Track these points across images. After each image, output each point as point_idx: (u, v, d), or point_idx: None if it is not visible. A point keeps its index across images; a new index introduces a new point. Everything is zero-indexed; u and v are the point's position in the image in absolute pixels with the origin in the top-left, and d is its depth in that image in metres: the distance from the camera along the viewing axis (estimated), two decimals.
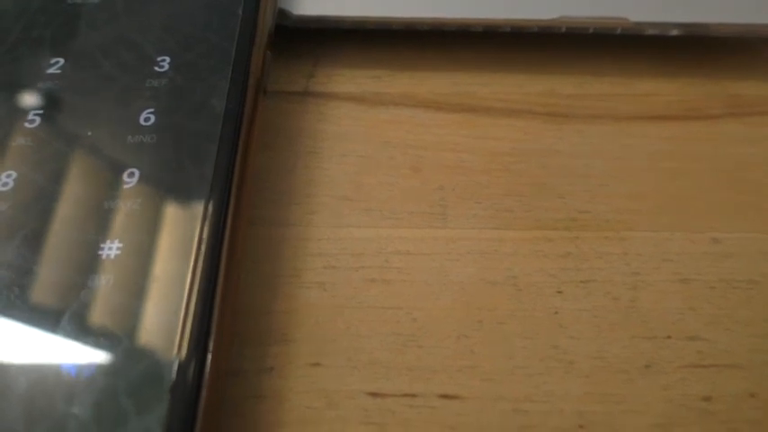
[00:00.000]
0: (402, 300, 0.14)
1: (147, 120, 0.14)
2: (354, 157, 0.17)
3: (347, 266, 0.15)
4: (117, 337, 0.11)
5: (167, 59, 0.15)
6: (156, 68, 0.15)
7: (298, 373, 0.13)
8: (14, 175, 0.13)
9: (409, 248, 0.15)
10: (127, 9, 0.16)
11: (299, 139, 0.17)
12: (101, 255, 0.12)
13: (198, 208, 0.13)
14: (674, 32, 0.18)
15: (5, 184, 0.13)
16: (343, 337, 0.14)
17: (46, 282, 0.12)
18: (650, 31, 0.18)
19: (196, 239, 0.12)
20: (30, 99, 0.14)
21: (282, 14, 0.18)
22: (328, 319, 0.14)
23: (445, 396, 0.13)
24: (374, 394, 0.13)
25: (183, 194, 0.13)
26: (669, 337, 0.14)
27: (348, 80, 0.19)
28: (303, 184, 0.16)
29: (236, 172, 0.13)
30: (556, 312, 0.14)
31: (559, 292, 0.14)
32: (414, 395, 0.13)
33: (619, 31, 0.18)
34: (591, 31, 0.18)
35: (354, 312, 0.14)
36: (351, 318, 0.14)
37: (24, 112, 0.14)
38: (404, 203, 0.16)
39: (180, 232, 0.12)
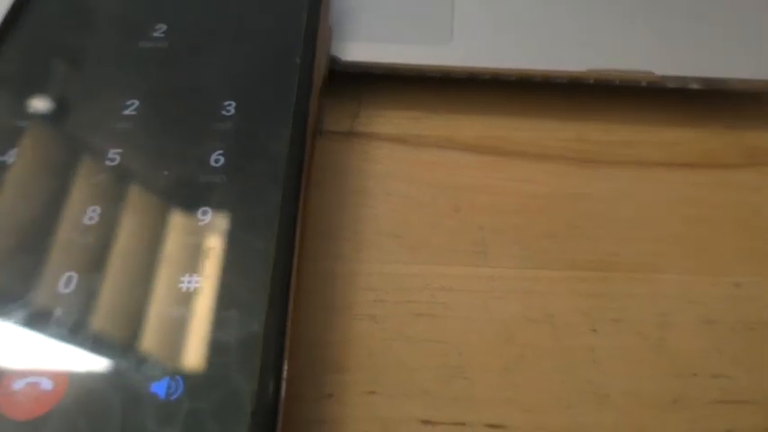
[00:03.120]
0: (448, 334, 0.15)
1: (217, 161, 0.15)
2: (398, 197, 0.18)
3: (395, 300, 0.16)
4: (201, 363, 0.12)
5: (233, 104, 0.16)
6: (224, 112, 0.16)
7: (355, 400, 0.14)
8: (99, 210, 0.14)
9: (453, 285, 0.16)
10: (194, 54, 0.17)
11: (346, 178, 0.18)
12: (181, 287, 0.13)
13: (268, 244, 0.14)
14: (695, 86, 0.19)
15: (91, 218, 0.14)
16: (395, 368, 0.15)
17: (134, 311, 0.13)
18: (672, 85, 0.19)
19: (270, 274, 0.13)
20: (108, 138, 0.15)
21: (332, 60, 0.19)
22: (380, 351, 0.15)
23: (491, 426, 0.14)
24: (426, 422, 0.14)
25: (252, 231, 0.14)
26: (695, 374, 0.15)
27: (388, 121, 0.20)
28: (351, 221, 0.17)
29: (299, 211, 0.14)
30: (592, 350, 0.15)
31: (594, 330, 0.16)
32: (463, 424, 0.14)
33: (644, 84, 0.19)
34: (617, 83, 0.19)
35: (404, 345, 0.15)
36: (401, 350, 0.15)
37: (104, 150, 0.15)
38: (447, 242, 0.17)
39: (253, 267, 0.13)
